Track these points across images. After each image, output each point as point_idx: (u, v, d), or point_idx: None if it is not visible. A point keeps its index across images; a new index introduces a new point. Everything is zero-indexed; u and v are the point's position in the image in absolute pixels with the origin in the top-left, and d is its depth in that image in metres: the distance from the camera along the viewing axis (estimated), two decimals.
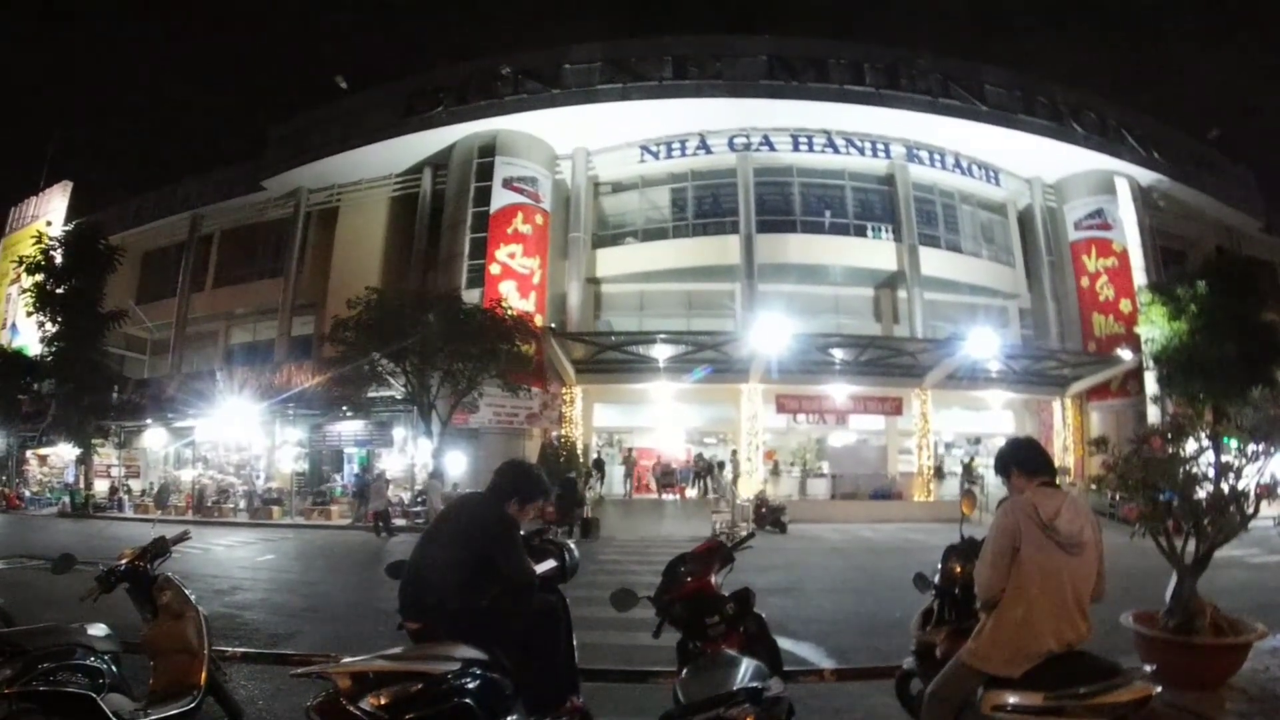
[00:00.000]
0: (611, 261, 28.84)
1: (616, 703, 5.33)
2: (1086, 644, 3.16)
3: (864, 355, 25.50)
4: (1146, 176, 31.48)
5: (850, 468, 26.91)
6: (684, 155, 29.11)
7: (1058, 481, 3.51)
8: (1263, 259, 35.65)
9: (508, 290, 25.28)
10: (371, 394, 22.86)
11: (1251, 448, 6.12)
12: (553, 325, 24.73)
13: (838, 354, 25.42)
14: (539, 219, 27.36)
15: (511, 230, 26.64)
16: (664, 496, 25.97)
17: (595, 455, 26.66)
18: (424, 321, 20.27)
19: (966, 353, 24.09)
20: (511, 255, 26.34)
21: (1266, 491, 6.03)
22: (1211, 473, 6.00)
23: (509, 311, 21.95)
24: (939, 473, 26.78)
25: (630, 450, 26.92)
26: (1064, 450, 27.51)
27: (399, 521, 20.42)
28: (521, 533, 4.08)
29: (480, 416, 23.11)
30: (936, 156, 29.84)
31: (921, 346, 25.59)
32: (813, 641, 7.44)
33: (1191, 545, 5.73)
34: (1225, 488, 5.81)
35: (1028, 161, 30.81)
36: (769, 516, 20.54)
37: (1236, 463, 5.99)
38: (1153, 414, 25.92)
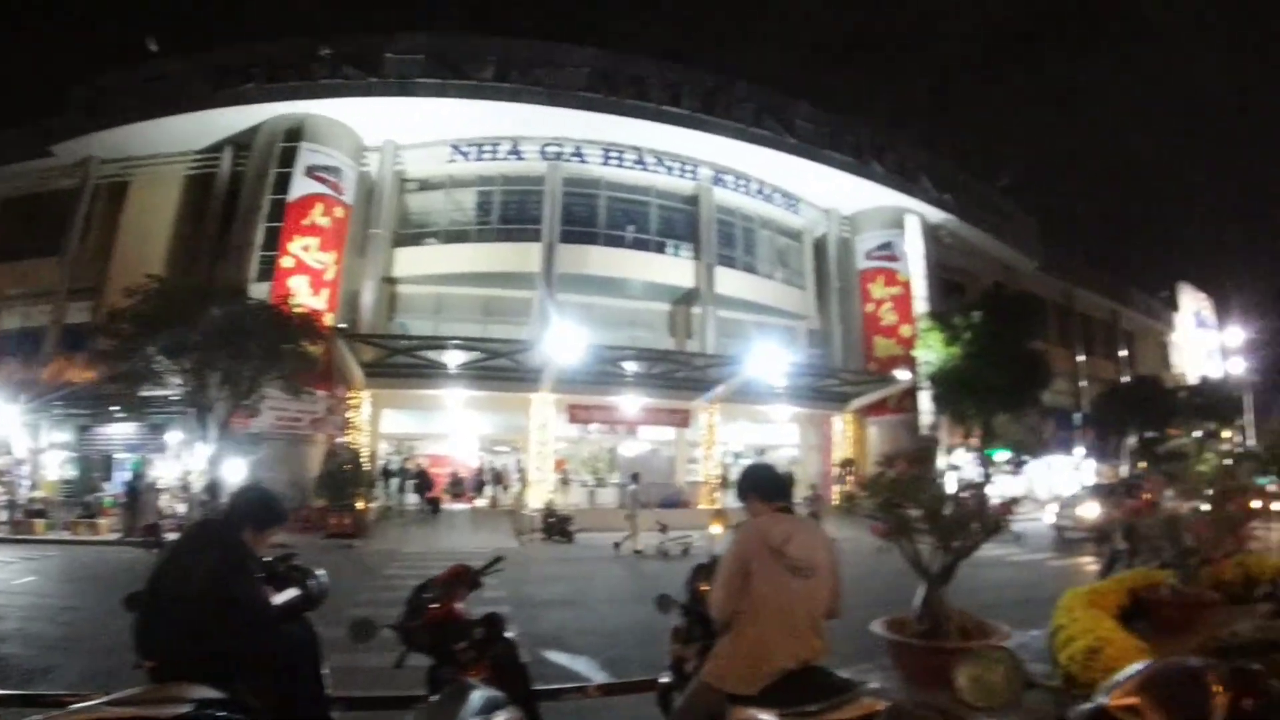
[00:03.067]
0: (410, 261, 29.51)
1: None
2: (826, 658, 3.36)
3: (656, 368, 27.33)
4: (936, 215, 35.77)
5: (640, 477, 27.96)
6: (495, 158, 30.23)
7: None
8: (1037, 295, 40.33)
9: (299, 285, 25.48)
10: (146, 393, 21.42)
11: (1003, 463, 7.46)
12: (343, 325, 24.99)
13: (631, 366, 27.07)
14: (339, 212, 27.64)
15: (309, 222, 26.73)
16: (453, 506, 26.47)
17: (383, 463, 26.83)
18: (206, 315, 19.45)
19: (753, 370, 26.46)
20: (306, 248, 26.44)
21: (1005, 509, 6.90)
22: (959, 490, 7.15)
23: (295, 308, 21.53)
24: (725, 482, 28.78)
25: (405, 459, 27.66)
26: (869, 466, 30.09)
27: (172, 536, 19.43)
28: (268, 560, 4.16)
29: (261, 421, 22.50)
30: (742, 182, 32.74)
31: (711, 362, 28.00)
32: (589, 655, 7.82)
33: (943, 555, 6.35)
34: (972, 503, 6.66)
35: (827, 193, 34.35)
36: (557, 526, 21.46)
37: (982, 478, 7.20)
38: (926, 429, 29.39)
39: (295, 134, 27.50)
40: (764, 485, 3.62)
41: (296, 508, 20.95)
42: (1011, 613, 7.70)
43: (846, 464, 29.24)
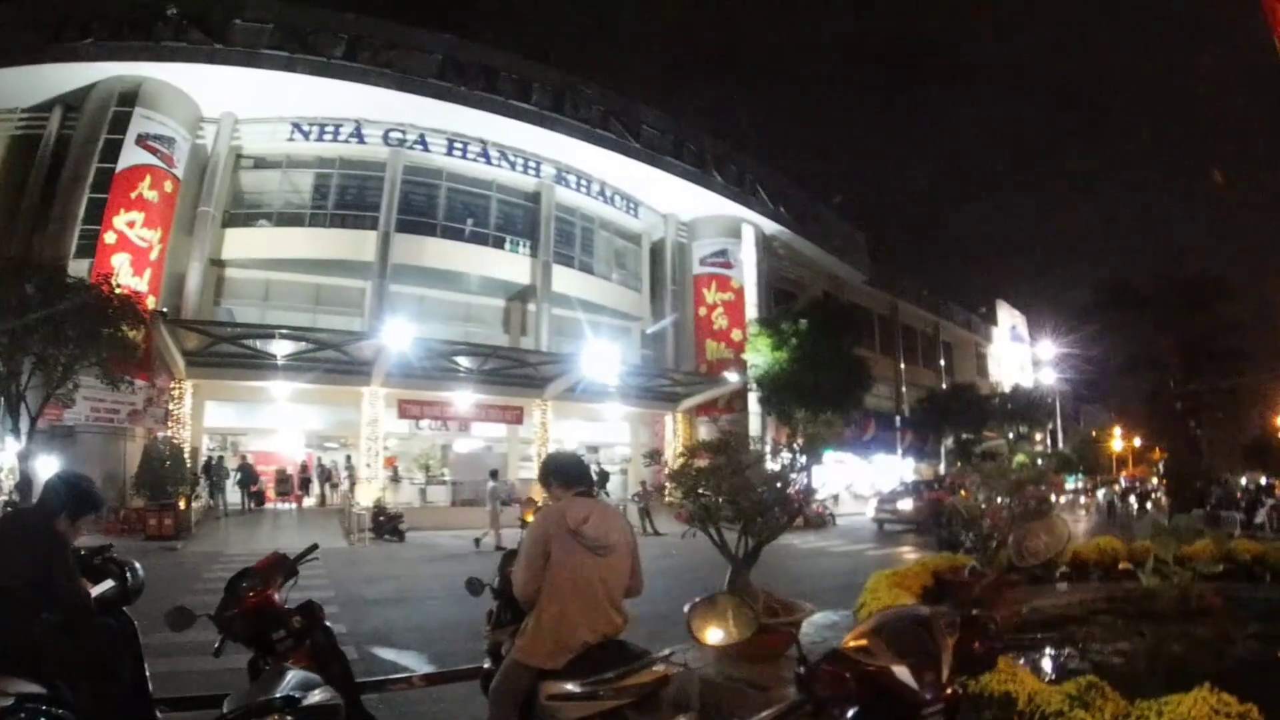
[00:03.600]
0: (240, 243, 28.70)
1: None
2: (626, 633, 3.61)
3: (488, 364, 28.02)
4: (771, 227, 38.36)
5: (473, 474, 27.54)
6: (336, 140, 29.85)
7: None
8: (863, 306, 43.44)
9: (121, 264, 24.29)
10: None
11: (800, 458, 7.57)
12: (164, 310, 23.64)
13: (464, 361, 27.74)
14: (169, 186, 26.58)
15: (136, 195, 25.51)
16: (279, 505, 26.50)
17: (206, 458, 25.95)
18: (21, 294, 18.20)
19: (585, 368, 27.88)
20: (131, 224, 25.21)
21: (800, 497, 7.30)
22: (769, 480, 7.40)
23: (117, 289, 19.95)
24: None
25: (220, 456, 26.76)
26: (675, 458, 31.60)
27: None
28: (82, 551, 4.24)
29: (76, 412, 21.40)
30: (584, 182, 33.99)
31: (544, 359, 29.15)
32: (417, 650, 8.18)
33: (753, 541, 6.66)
34: (774, 491, 6.88)
35: (667, 199, 36.15)
36: (387, 525, 21.46)
37: (784, 469, 7.26)
38: (754, 427, 31.36)
39: (130, 98, 26.25)
40: (563, 472, 3.87)
41: (114, 508, 20.61)
42: (830, 596, 8.43)
43: (654, 455, 30.75)
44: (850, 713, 1.89)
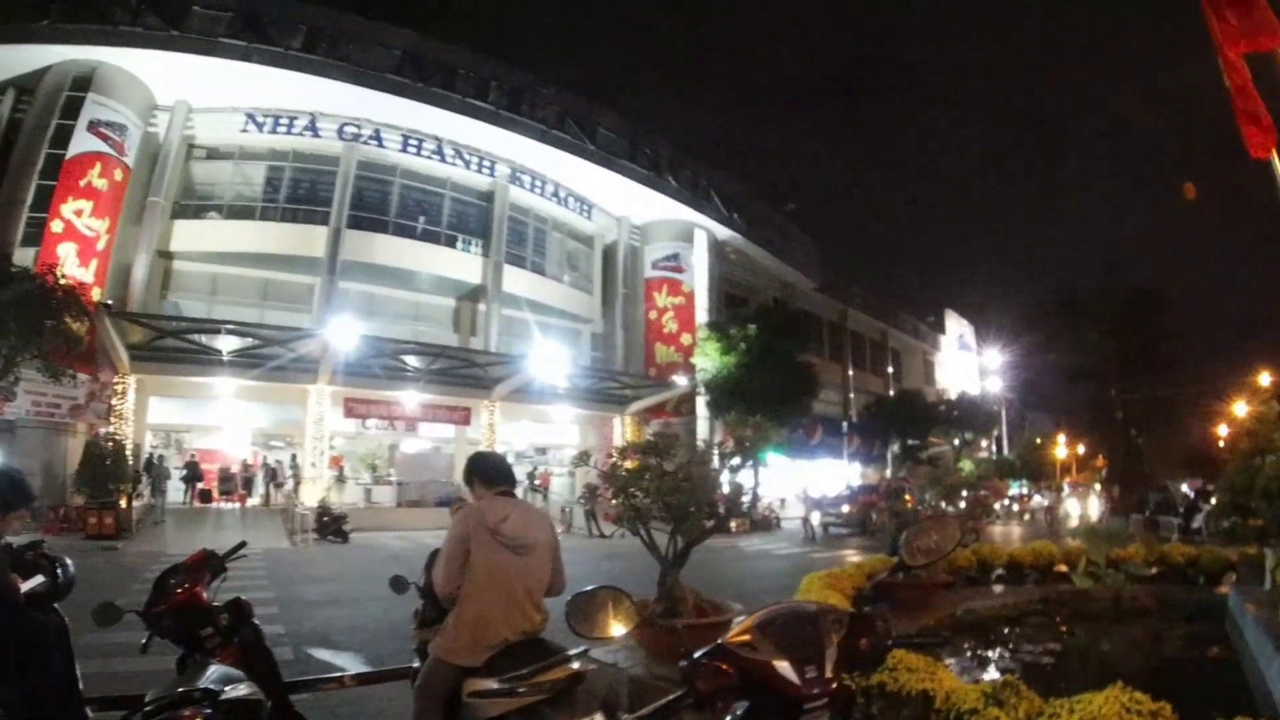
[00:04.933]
0: (189, 236, 28.35)
1: None
2: (555, 634, 3.59)
3: (437, 364, 28.22)
4: (723, 232, 39.08)
5: (420, 475, 28.58)
6: (290, 133, 29.72)
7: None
8: (813, 313, 44.34)
9: (67, 254, 23.93)
10: None
11: (733, 460, 7.95)
12: (109, 302, 23.20)
13: (412, 361, 27.97)
14: (118, 174, 26.31)
15: (85, 183, 25.20)
16: (223, 504, 26.46)
17: (147, 456, 25.55)
18: None
19: (534, 370, 28.18)
20: (79, 213, 24.93)
21: (726, 499, 7.71)
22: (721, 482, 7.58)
23: (61, 280, 19.35)
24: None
25: (162, 455, 26.38)
26: (605, 460, 32.20)
27: None
28: (12, 546, 4.17)
29: (16, 406, 20.93)
30: (538, 183, 34.36)
31: (492, 360, 29.39)
32: (353, 650, 8.24)
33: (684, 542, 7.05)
34: (702, 492, 7.21)
35: (621, 202, 36.59)
36: (331, 526, 21.41)
37: (715, 471, 7.57)
38: (703, 431, 31.86)
39: (84, 83, 25.96)
40: (486, 471, 3.88)
41: (54, 506, 20.56)
42: (768, 597, 7.84)
43: (583, 457, 30.98)
44: (740, 709, 1.97)
